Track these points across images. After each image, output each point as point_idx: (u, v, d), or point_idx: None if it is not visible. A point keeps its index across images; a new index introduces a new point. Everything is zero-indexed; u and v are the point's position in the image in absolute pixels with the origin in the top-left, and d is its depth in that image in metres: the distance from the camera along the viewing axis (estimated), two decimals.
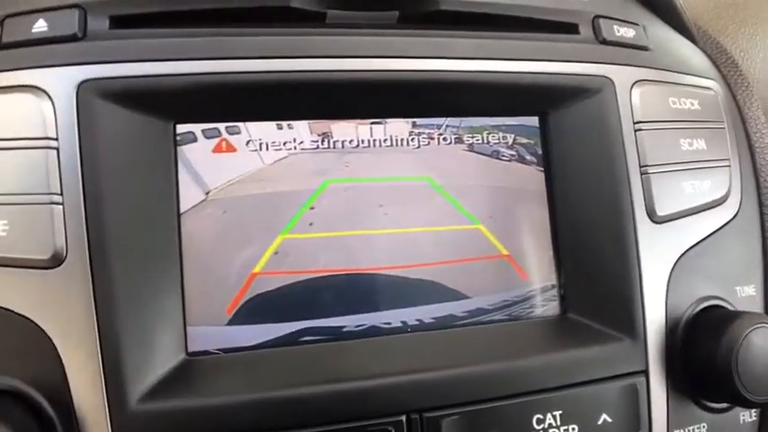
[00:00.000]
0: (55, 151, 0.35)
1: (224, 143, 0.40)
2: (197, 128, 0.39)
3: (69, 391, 0.34)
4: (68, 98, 0.36)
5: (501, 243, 0.43)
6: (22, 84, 0.36)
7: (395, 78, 0.40)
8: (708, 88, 0.50)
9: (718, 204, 0.47)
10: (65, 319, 0.34)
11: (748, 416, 0.46)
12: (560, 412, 0.39)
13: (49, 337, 0.34)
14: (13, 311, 0.34)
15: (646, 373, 0.42)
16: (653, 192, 0.44)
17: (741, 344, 0.40)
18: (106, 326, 0.34)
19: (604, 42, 0.46)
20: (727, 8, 0.62)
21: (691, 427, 0.43)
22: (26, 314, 0.34)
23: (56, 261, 0.34)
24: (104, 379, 0.34)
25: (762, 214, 0.50)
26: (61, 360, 0.34)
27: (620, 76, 0.45)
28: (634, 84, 0.46)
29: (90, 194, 0.35)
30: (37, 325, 0.34)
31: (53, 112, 0.36)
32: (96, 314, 0.34)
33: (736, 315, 0.42)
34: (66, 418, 0.33)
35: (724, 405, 0.44)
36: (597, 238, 0.43)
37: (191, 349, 0.38)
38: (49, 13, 0.38)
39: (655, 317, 0.43)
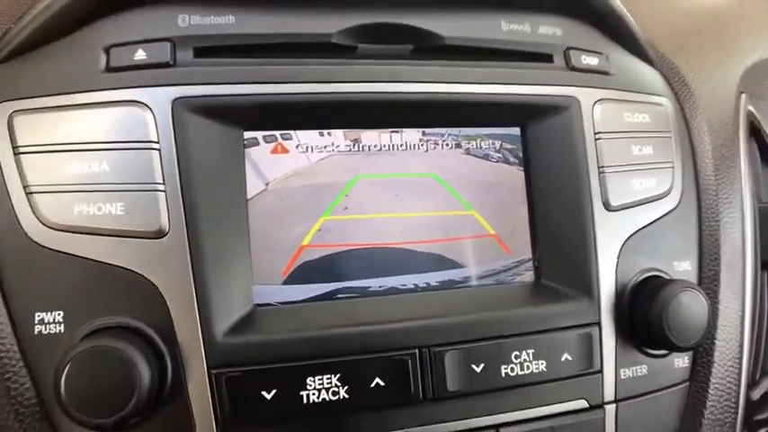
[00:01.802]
0: (157, 152, 0.44)
1: (279, 146, 0.49)
2: (259, 134, 0.48)
3: (174, 328, 0.42)
4: (165, 111, 0.44)
5: (489, 225, 0.53)
6: (129, 99, 0.44)
7: (409, 99, 0.49)
8: (659, 104, 0.59)
9: (662, 197, 0.56)
10: (169, 275, 0.43)
11: (681, 361, 0.55)
12: (533, 351, 0.48)
13: (158, 289, 0.42)
14: (131, 270, 0.43)
15: (599, 324, 0.51)
16: (608, 187, 0.53)
17: (672, 302, 0.50)
18: (199, 281, 0.43)
19: (573, 69, 0.54)
20: (684, 35, 0.73)
21: (634, 368, 0.52)
22: (141, 272, 0.43)
23: (160, 234, 0.43)
24: (199, 320, 0.43)
25: (699, 206, 0.59)
26: (167, 306, 0.42)
27: (585, 96, 0.54)
28: (596, 102, 0.54)
29: (184, 184, 0.44)
30: (149, 280, 0.43)
31: (154, 121, 0.44)
32: (192, 272, 0.43)
33: (669, 281, 0.52)
34: (172, 349, 0.42)
35: (662, 351, 0.53)
36: (564, 223, 0.52)
37: (256, 302, 0.47)
38: (147, 45, 0.45)
39: (607, 283, 0.51)
